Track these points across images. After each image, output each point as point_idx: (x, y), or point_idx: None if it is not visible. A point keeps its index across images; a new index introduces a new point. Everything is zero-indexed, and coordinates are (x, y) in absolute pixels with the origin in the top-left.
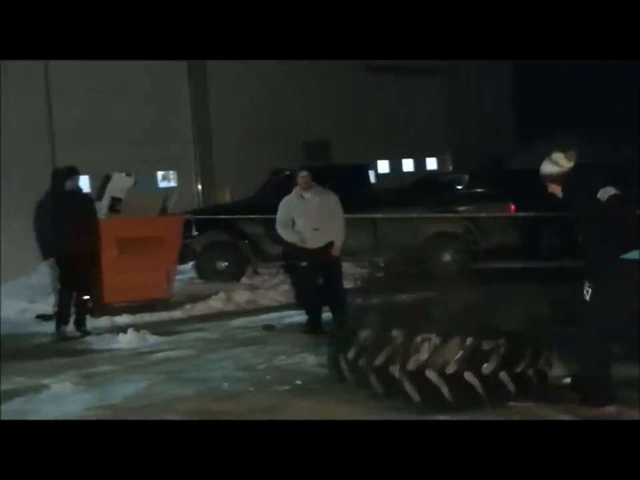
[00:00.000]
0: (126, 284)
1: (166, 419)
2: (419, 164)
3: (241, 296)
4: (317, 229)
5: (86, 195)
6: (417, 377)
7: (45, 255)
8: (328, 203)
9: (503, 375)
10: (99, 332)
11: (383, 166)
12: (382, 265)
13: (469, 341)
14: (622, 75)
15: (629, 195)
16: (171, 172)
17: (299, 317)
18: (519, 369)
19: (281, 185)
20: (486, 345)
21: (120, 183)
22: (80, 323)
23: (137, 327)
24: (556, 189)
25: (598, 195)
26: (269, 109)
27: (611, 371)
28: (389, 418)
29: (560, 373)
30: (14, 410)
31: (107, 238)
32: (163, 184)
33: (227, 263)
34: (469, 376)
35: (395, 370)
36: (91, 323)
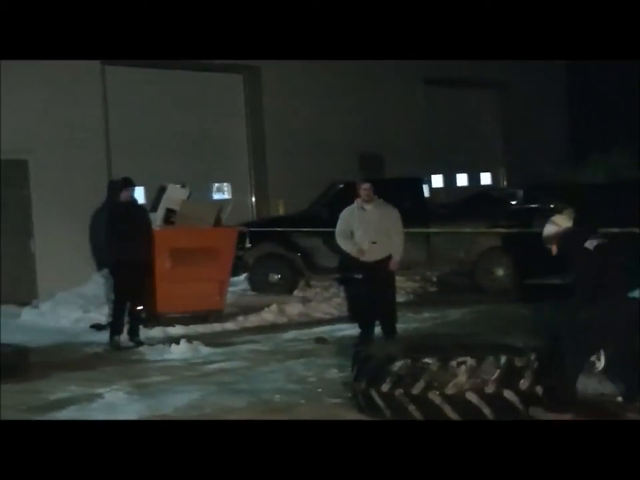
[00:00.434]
0: (179, 295)
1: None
2: (473, 178)
3: (294, 308)
4: (374, 242)
5: (141, 206)
6: (458, 400)
7: (100, 265)
8: (389, 217)
9: (538, 389)
10: (152, 342)
11: (437, 180)
12: (434, 279)
13: (503, 359)
14: None
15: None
16: (225, 184)
17: (351, 330)
18: (551, 383)
19: (335, 198)
20: (518, 362)
21: (175, 195)
22: (133, 333)
23: (190, 338)
24: (555, 250)
25: (586, 245)
26: (323, 122)
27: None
28: None
29: (610, 390)
30: (68, 418)
31: (161, 249)
32: (217, 196)
33: (279, 276)
34: (508, 394)
35: (434, 396)
36: (144, 333)
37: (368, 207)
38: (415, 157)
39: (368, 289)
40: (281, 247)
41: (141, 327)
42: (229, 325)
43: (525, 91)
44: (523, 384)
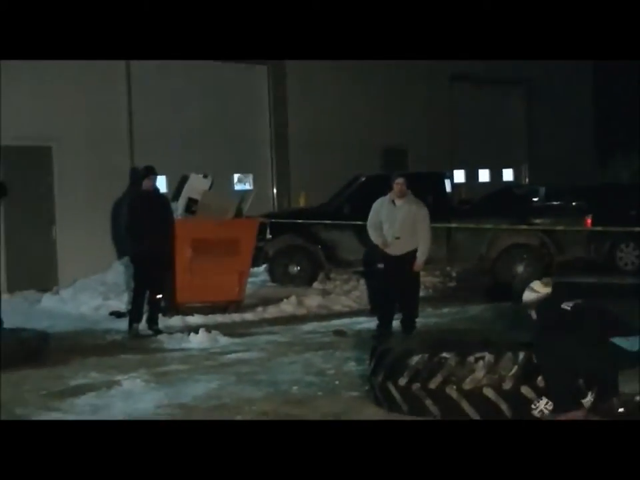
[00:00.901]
0: (199, 285)
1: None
2: (495, 175)
3: (313, 300)
4: (398, 238)
5: (163, 195)
6: (475, 395)
7: (121, 253)
8: (416, 215)
9: None
10: (171, 331)
11: (459, 175)
12: (454, 274)
13: (521, 355)
14: None
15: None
16: (247, 175)
17: (369, 323)
18: None
19: (357, 191)
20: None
21: (197, 185)
22: (152, 322)
23: (209, 328)
24: (534, 315)
25: (562, 306)
26: (347, 115)
27: (570, 377)
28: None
29: (629, 390)
30: (87, 404)
31: (182, 238)
32: (238, 186)
33: (299, 267)
34: (525, 390)
35: (451, 391)
36: (163, 322)
37: (399, 201)
38: (437, 151)
39: (388, 283)
40: (301, 239)
41: (160, 315)
42: (248, 316)
43: (550, 88)
44: (541, 381)
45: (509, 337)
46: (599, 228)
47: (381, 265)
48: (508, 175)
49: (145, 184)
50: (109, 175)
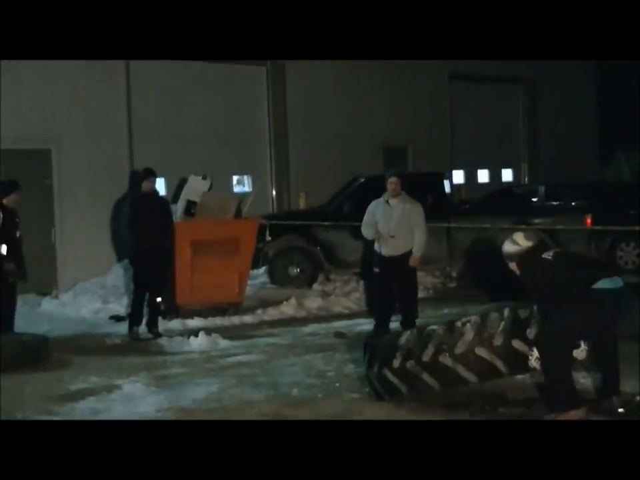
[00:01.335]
0: (199, 287)
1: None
2: (494, 175)
3: (313, 302)
4: (392, 236)
5: (162, 197)
6: (468, 358)
7: (120, 256)
8: (410, 213)
9: None
10: (171, 334)
11: (458, 176)
12: (454, 274)
13: (507, 312)
14: None
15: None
16: (246, 176)
17: (370, 324)
18: None
19: (357, 192)
20: (522, 314)
21: (196, 186)
22: (152, 325)
23: (209, 331)
24: (514, 267)
25: (543, 256)
26: (346, 114)
27: (571, 377)
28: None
29: (630, 389)
30: (87, 408)
31: (181, 240)
32: (238, 188)
33: (299, 269)
34: (517, 343)
35: (445, 359)
36: (163, 325)
37: (393, 201)
38: (437, 151)
39: (385, 284)
40: (301, 240)
41: (160, 319)
42: (248, 318)
43: (550, 87)
44: (530, 332)
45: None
46: (599, 227)
47: (377, 269)
48: (507, 175)
49: (145, 186)
50: (108, 177)
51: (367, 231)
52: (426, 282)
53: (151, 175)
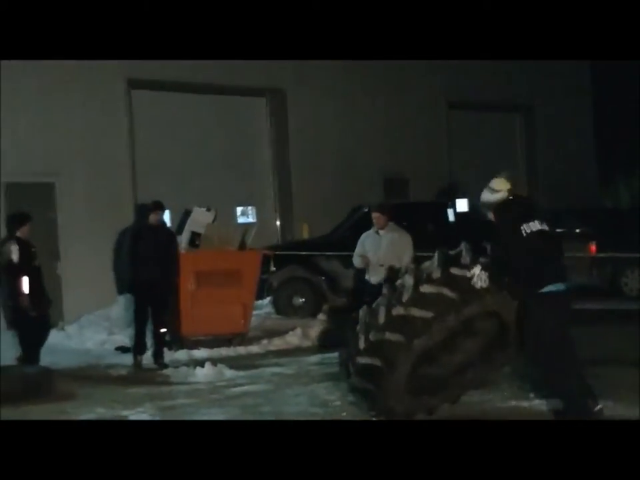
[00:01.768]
0: (203, 317)
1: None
2: None
3: (318, 332)
4: (381, 265)
5: (169, 229)
6: (417, 298)
7: (121, 289)
8: (398, 242)
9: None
10: (177, 365)
11: (462, 204)
12: None
13: (436, 254)
14: None
15: (555, 233)
16: (249, 207)
17: None
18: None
19: (359, 222)
20: (452, 252)
21: (200, 218)
22: (158, 356)
23: (214, 361)
24: (492, 217)
25: (522, 227)
26: (347, 145)
27: (574, 383)
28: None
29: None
30: None
31: (185, 271)
32: (241, 219)
33: (303, 299)
34: (455, 270)
35: (397, 309)
36: (169, 356)
37: (382, 231)
38: (439, 180)
39: None
40: (305, 271)
41: (165, 349)
42: (253, 348)
43: (549, 115)
44: (465, 258)
45: None
46: (604, 254)
47: (367, 298)
48: None
49: (152, 218)
50: (111, 209)
51: (356, 260)
52: None
53: (159, 207)
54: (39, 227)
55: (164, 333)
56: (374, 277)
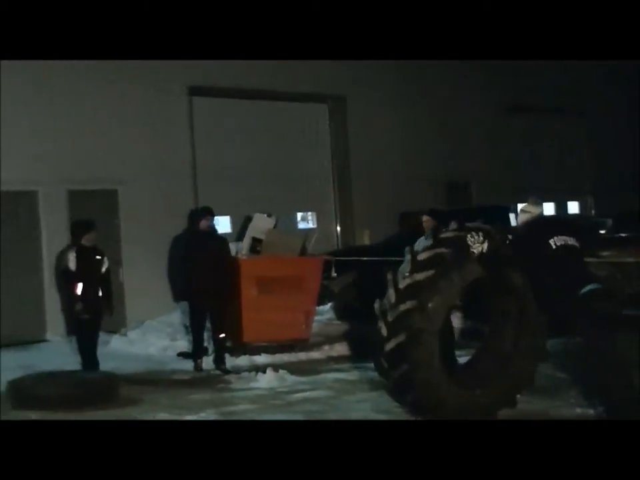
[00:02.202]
0: (265, 323)
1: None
2: (561, 207)
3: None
4: None
5: (219, 235)
6: (403, 294)
7: (176, 296)
8: None
9: None
10: (239, 371)
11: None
12: None
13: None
14: None
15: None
16: (309, 213)
17: None
18: None
19: (420, 227)
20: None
21: (261, 224)
22: (219, 361)
23: (276, 367)
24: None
25: (550, 241)
26: (409, 150)
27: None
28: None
29: None
30: None
31: (247, 277)
32: (302, 225)
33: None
34: (444, 234)
35: (391, 311)
36: (231, 361)
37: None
38: (501, 184)
39: None
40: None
41: (227, 355)
42: (315, 354)
43: (611, 119)
44: (452, 226)
45: None
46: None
47: None
48: (574, 207)
49: (202, 224)
50: (174, 216)
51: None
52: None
53: (209, 213)
54: (102, 234)
55: (223, 338)
56: None
